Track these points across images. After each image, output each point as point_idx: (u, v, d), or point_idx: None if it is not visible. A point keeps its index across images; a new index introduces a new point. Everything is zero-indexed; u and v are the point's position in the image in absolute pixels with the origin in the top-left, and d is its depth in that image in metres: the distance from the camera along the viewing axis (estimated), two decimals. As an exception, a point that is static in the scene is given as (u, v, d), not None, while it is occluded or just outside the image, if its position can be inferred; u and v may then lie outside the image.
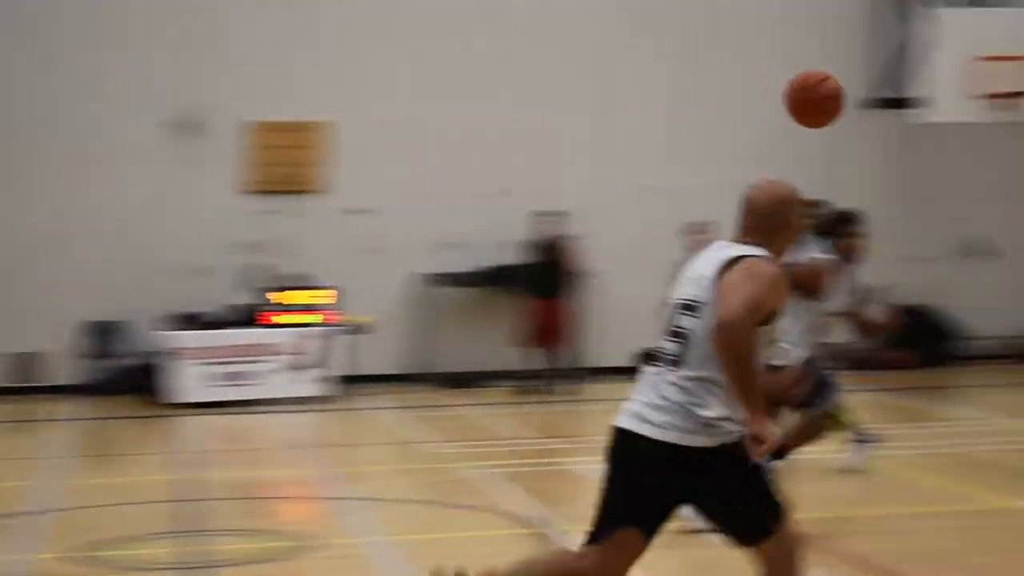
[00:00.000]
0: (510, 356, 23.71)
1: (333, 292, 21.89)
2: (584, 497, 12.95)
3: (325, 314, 21.65)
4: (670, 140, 25.00)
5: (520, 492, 13.88)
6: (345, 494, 14.04)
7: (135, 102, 23.08)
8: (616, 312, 24.16)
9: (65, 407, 21.68)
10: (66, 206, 22.86)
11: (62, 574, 10.78)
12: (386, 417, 20.73)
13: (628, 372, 23.06)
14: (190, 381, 21.12)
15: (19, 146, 23.05)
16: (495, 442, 17.89)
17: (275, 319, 21.58)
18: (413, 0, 24.24)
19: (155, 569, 10.89)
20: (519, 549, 11.03)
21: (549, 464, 16.26)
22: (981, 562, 10.81)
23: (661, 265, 18.40)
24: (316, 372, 21.49)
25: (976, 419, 18.16)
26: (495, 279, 23.93)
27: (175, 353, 21.22)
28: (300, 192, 23.81)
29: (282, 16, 23.82)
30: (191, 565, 10.90)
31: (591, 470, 14.68)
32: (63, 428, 20.18)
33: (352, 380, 22.09)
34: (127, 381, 22.61)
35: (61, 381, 22.79)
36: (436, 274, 23.80)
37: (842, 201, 14.20)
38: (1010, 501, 12.85)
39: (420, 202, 23.79)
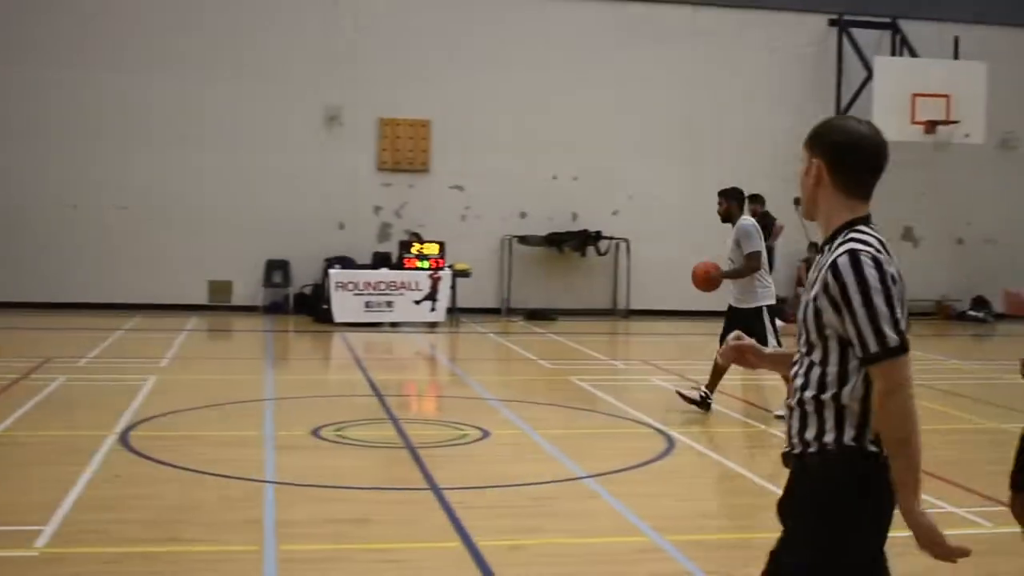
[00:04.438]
0: (571, 297, 23.63)
1: (440, 245, 21.29)
2: (673, 406, 12.67)
3: (434, 262, 21.03)
4: (736, 148, 24.40)
5: (618, 399, 13.15)
6: (484, 396, 13.34)
7: (301, 100, 22.90)
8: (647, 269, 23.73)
9: (251, 322, 21.20)
10: (253, 174, 22.66)
11: (309, 445, 10.07)
12: (489, 339, 20.08)
13: (658, 314, 23.06)
14: (343, 306, 20.54)
15: (228, 131, 22.57)
16: (583, 360, 17.14)
17: (404, 263, 21.03)
18: (498, 29, 23.64)
19: (375, 447, 10.17)
20: (647, 443, 10.52)
21: (627, 379, 15.56)
22: (996, 470, 10.15)
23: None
24: (430, 304, 20.90)
25: (930, 359, 17.47)
26: (555, 241, 23.57)
27: (333, 285, 20.58)
28: (415, 171, 23.41)
29: (403, 43, 23.32)
30: (397, 445, 10.16)
31: (666, 385, 14.40)
32: (251, 338, 19.54)
33: (454, 311, 21.53)
34: (297, 305, 22.44)
35: (248, 303, 22.57)
36: (515, 236, 23.49)
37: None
38: (993, 423, 12.16)
39: (502, 181, 23.46)
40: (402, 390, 14.19)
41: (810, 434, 3.62)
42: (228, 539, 7.07)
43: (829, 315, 3.54)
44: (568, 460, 9.59)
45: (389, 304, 20.62)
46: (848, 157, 3.64)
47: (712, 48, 24.31)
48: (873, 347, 3.43)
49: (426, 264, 20.89)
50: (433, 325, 20.77)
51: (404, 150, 23.54)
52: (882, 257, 3.51)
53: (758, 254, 11.77)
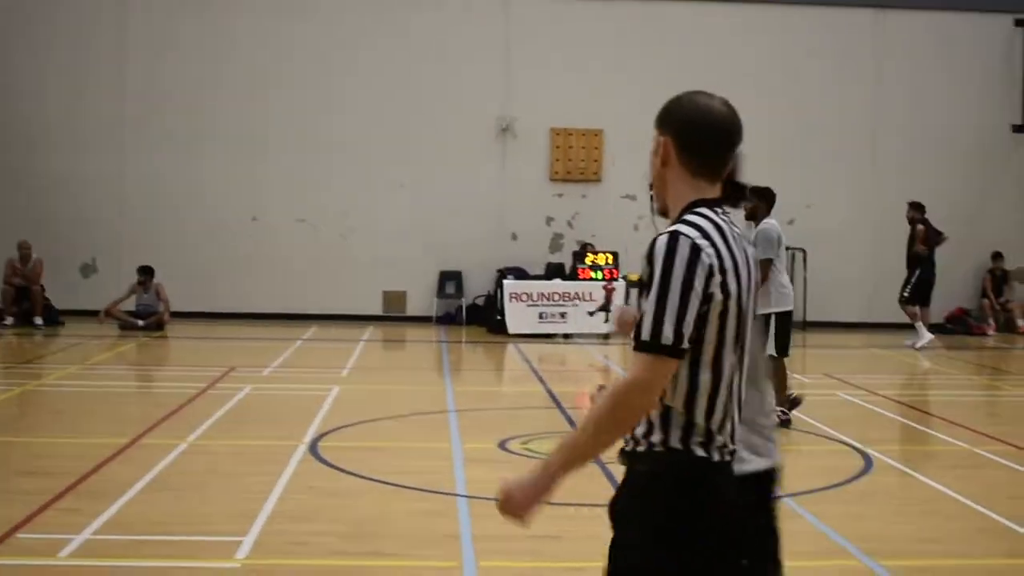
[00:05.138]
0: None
1: (613, 256, 21.07)
2: (869, 422, 12.21)
3: (608, 272, 20.82)
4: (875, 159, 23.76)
5: (808, 414, 12.73)
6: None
7: (474, 112, 22.98)
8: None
9: (424, 332, 21.29)
10: (427, 186, 22.81)
11: (498, 458, 9.96)
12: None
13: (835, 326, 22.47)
14: (517, 317, 20.48)
15: (402, 144, 22.75)
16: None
17: (578, 274, 20.88)
18: (668, 36, 23.39)
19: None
20: (843, 461, 10.14)
21: (813, 394, 15.09)
22: None
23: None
24: (602, 314, 20.70)
25: None
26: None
27: (507, 296, 20.54)
28: (588, 181, 23.28)
29: (574, 53, 23.27)
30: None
31: (855, 400, 13.95)
32: (426, 348, 19.59)
33: (629, 321, 21.27)
34: (470, 316, 22.47)
35: (421, 313, 22.69)
36: (689, 246, 23.13)
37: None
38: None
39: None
40: (584, 402, 13.98)
41: (640, 431, 3.22)
42: (427, 554, 6.98)
43: (644, 302, 3.15)
44: (763, 477, 9.25)
45: (563, 315, 20.49)
46: (696, 135, 3.30)
47: (894, 53, 23.61)
48: (645, 334, 3.06)
49: (600, 275, 20.71)
50: (606, 336, 20.56)
51: (576, 160, 23.43)
52: (704, 244, 3.12)
53: (768, 261, 11.16)
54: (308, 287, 22.58)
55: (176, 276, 21.45)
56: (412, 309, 22.72)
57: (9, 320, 20.56)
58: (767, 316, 11.23)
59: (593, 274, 20.74)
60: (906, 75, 23.73)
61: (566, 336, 20.54)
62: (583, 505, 8.42)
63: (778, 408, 11.40)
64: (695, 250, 3.08)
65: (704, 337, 3.16)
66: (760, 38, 23.48)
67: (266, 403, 12.75)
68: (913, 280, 20.25)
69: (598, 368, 17.66)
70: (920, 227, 20.34)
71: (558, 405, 13.01)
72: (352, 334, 20.33)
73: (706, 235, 3.14)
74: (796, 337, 22.15)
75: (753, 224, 11.54)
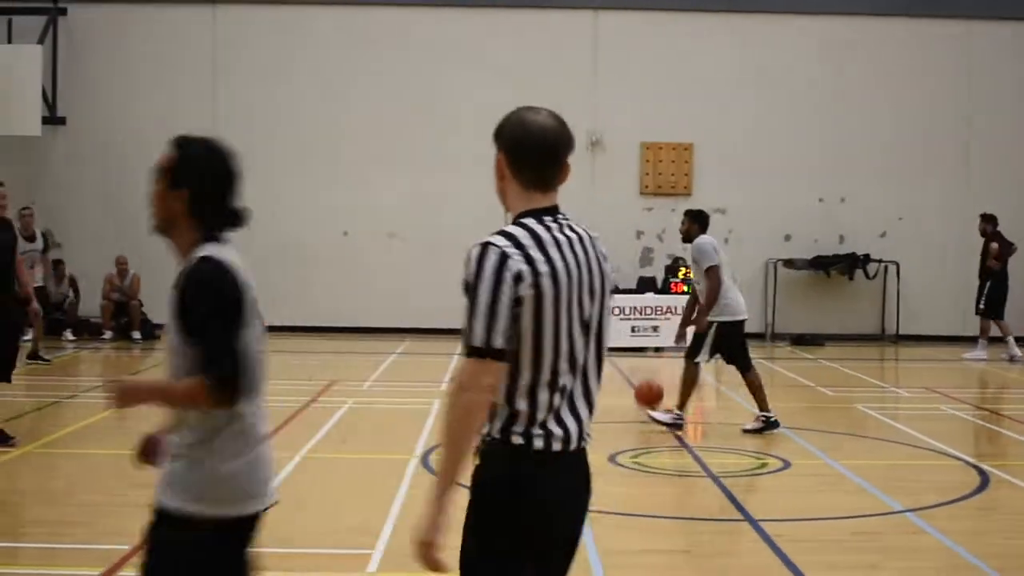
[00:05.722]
0: (837, 321, 23.04)
1: (706, 269, 21.00)
2: (980, 437, 12.08)
3: (701, 286, 20.73)
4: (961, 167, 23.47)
5: (915, 428, 12.58)
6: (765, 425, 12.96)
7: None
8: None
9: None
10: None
11: (610, 472, 9.92)
12: (759, 365, 19.50)
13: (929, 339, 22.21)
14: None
15: (488, 158, 22.46)
16: (864, 387, 16.56)
17: (670, 288, 20.82)
18: (759, 50, 23.22)
19: (676, 475, 9.97)
20: (959, 476, 10.01)
21: (916, 407, 14.90)
22: None
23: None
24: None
25: None
26: (822, 265, 22.97)
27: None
28: (678, 195, 23.22)
29: (664, 67, 23.24)
30: (698, 474, 9.93)
31: (960, 414, 13.79)
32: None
33: (721, 335, 21.18)
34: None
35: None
36: (780, 259, 23.00)
37: None
38: None
39: (766, 204, 23.10)
40: (686, 416, 13.92)
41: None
42: (557, 568, 6.97)
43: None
44: (880, 492, 9.20)
45: (655, 329, 20.44)
46: (523, 151, 3.54)
47: (984, 64, 23.34)
48: (464, 339, 3.39)
49: (691, 288, 20.61)
50: (698, 350, 20.42)
51: (666, 174, 23.38)
52: (513, 252, 3.38)
53: (714, 268, 12.02)
54: (398, 301, 22.70)
55: (268, 290, 21.57)
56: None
57: (108, 334, 20.92)
58: (711, 324, 12.18)
59: (686, 288, 20.67)
60: (996, 86, 23.41)
61: (657, 350, 20.48)
62: (704, 520, 8.41)
63: (761, 414, 12.09)
64: (503, 257, 3.35)
65: (520, 335, 3.41)
66: (850, 51, 23.28)
67: (371, 416, 12.86)
68: (986, 292, 20.17)
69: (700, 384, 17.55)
70: (994, 245, 20.22)
71: (659, 419, 12.94)
72: (444, 347, 20.37)
73: (518, 243, 3.40)
74: (889, 350, 22.13)
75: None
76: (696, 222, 12.65)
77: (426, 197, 22.77)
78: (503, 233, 3.45)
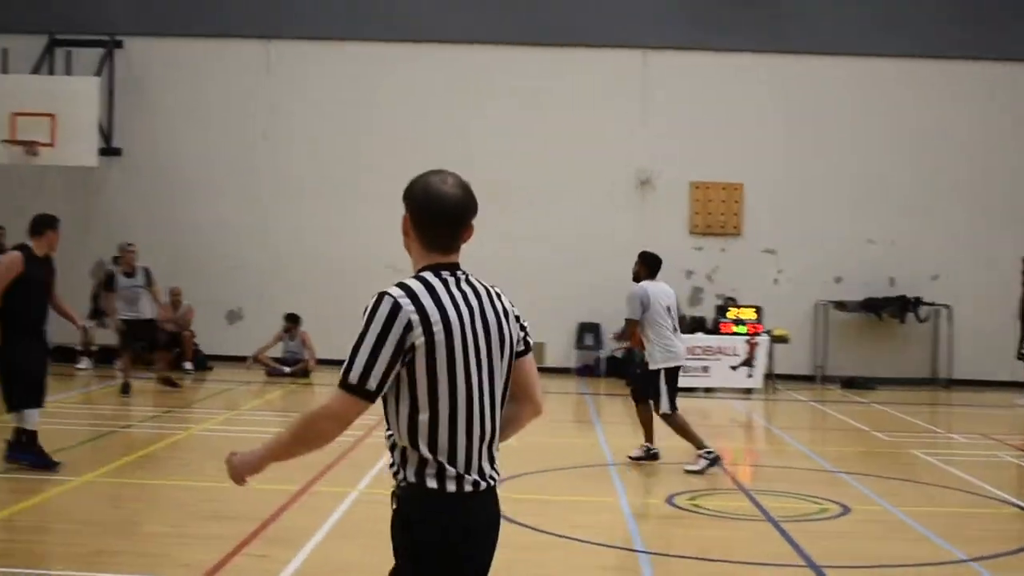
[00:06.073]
0: (888, 364, 22.91)
1: (756, 310, 20.97)
2: None
3: (752, 327, 20.70)
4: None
5: (974, 475, 12.46)
6: (828, 467, 12.91)
7: (614, 164, 23.21)
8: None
9: (564, 384, 21.31)
10: (566, 237, 22.93)
11: (668, 514, 9.94)
12: (810, 407, 19.55)
13: (981, 384, 22.04)
14: (659, 370, 20.43)
15: (542, 195, 23.01)
16: (919, 432, 16.47)
17: (720, 328, 20.77)
18: (808, 92, 23.22)
19: (735, 518, 9.93)
20: (1021, 525, 9.96)
21: (974, 454, 14.75)
22: None
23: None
24: (747, 370, 20.56)
25: None
26: (873, 307, 22.86)
27: (648, 349, 20.52)
28: (727, 234, 23.22)
29: (713, 106, 23.37)
30: (757, 518, 9.89)
31: (1020, 463, 13.67)
32: (569, 400, 19.57)
33: (771, 378, 21.12)
34: (609, 368, 22.48)
35: (560, 364, 22.76)
36: (830, 301, 22.92)
37: None
38: None
39: (816, 245, 23.11)
40: (742, 459, 13.93)
41: (394, 471, 3.74)
42: (623, 610, 6.99)
43: None
44: (943, 540, 9.12)
45: (705, 369, 20.39)
46: (424, 215, 3.73)
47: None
48: (342, 372, 3.58)
49: (743, 329, 20.58)
50: (748, 391, 20.40)
51: (716, 213, 23.39)
52: (406, 302, 3.58)
53: (631, 322, 12.46)
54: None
55: (320, 324, 21.78)
56: (550, 360, 22.72)
57: (160, 364, 21.06)
58: (657, 371, 12.36)
59: (736, 328, 20.63)
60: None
61: (707, 390, 20.43)
62: (766, 565, 8.37)
63: (702, 451, 12.10)
64: (395, 307, 3.55)
65: (415, 381, 3.62)
66: (901, 92, 23.27)
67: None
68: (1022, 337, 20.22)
69: (749, 423, 17.54)
70: None
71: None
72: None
73: (412, 294, 3.59)
74: (941, 395, 21.96)
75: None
76: (645, 265, 12.79)
77: (476, 235, 22.77)
78: (400, 284, 3.64)
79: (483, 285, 3.84)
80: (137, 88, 23.47)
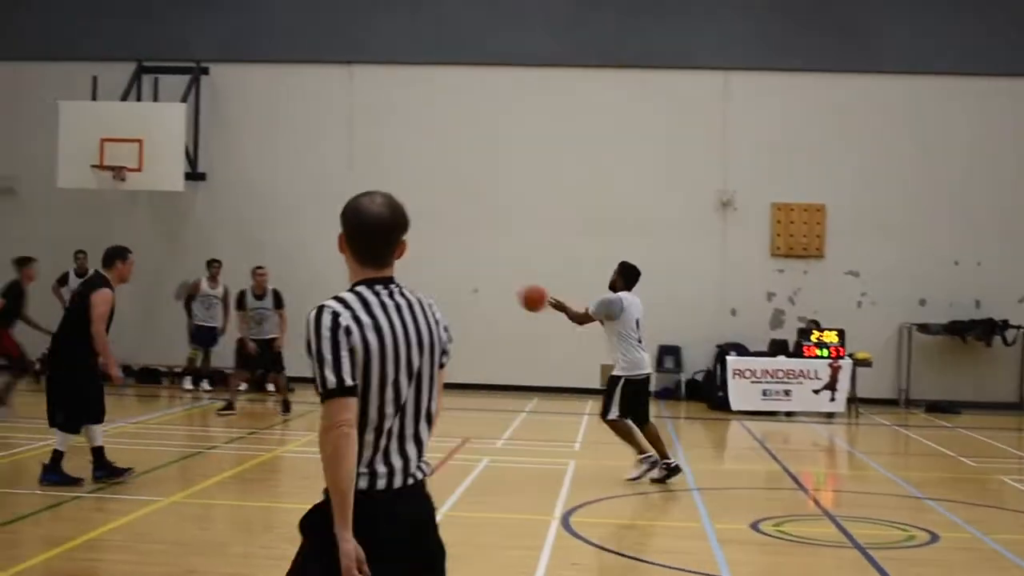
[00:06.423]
0: (973, 389, 22.54)
1: (839, 333, 20.74)
2: None
3: (834, 350, 20.47)
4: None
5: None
6: (915, 493, 12.73)
7: (695, 185, 23.15)
8: None
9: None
10: (647, 259, 22.58)
11: (754, 540, 9.85)
12: (894, 432, 19.28)
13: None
14: (740, 394, 20.30)
15: (620, 217, 22.93)
16: (1007, 458, 16.18)
17: (803, 351, 20.58)
18: (890, 112, 22.99)
19: (821, 545, 9.82)
20: None
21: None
22: None
23: None
24: (829, 393, 20.33)
25: None
26: (958, 330, 22.52)
27: (731, 372, 20.40)
28: (809, 256, 23.03)
29: (795, 128, 23.20)
30: (844, 545, 9.76)
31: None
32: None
33: (853, 401, 20.85)
34: (689, 391, 22.34)
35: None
36: (914, 324, 22.61)
37: None
38: None
39: (900, 267, 22.84)
40: (826, 484, 13.79)
41: None
42: (710, 637, 6.94)
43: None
44: (1037, 571, 8.96)
45: (787, 392, 20.22)
46: (355, 234, 4.03)
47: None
48: (319, 388, 3.77)
49: (825, 352, 20.37)
50: (830, 415, 20.18)
51: (798, 235, 23.21)
52: (342, 311, 3.84)
53: (586, 315, 12.88)
54: (526, 359, 22.80)
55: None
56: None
57: (243, 386, 21.29)
58: (616, 378, 12.64)
59: (819, 351, 20.42)
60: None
61: (788, 414, 20.25)
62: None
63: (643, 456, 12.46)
64: (334, 315, 3.82)
65: None
66: (986, 111, 22.97)
67: (507, 475, 12.90)
68: None
69: (831, 448, 17.34)
70: None
71: (800, 486, 12.82)
72: (574, 406, 20.44)
73: (347, 305, 3.88)
74: (1022, 420, 21.55)
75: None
76: (623, 276, 13.15)
77: (555, 256, 22.79)
78: (336, 298, 3.92)
79: (416, 297, 4.08)
80: (221, 113, 23.84)
